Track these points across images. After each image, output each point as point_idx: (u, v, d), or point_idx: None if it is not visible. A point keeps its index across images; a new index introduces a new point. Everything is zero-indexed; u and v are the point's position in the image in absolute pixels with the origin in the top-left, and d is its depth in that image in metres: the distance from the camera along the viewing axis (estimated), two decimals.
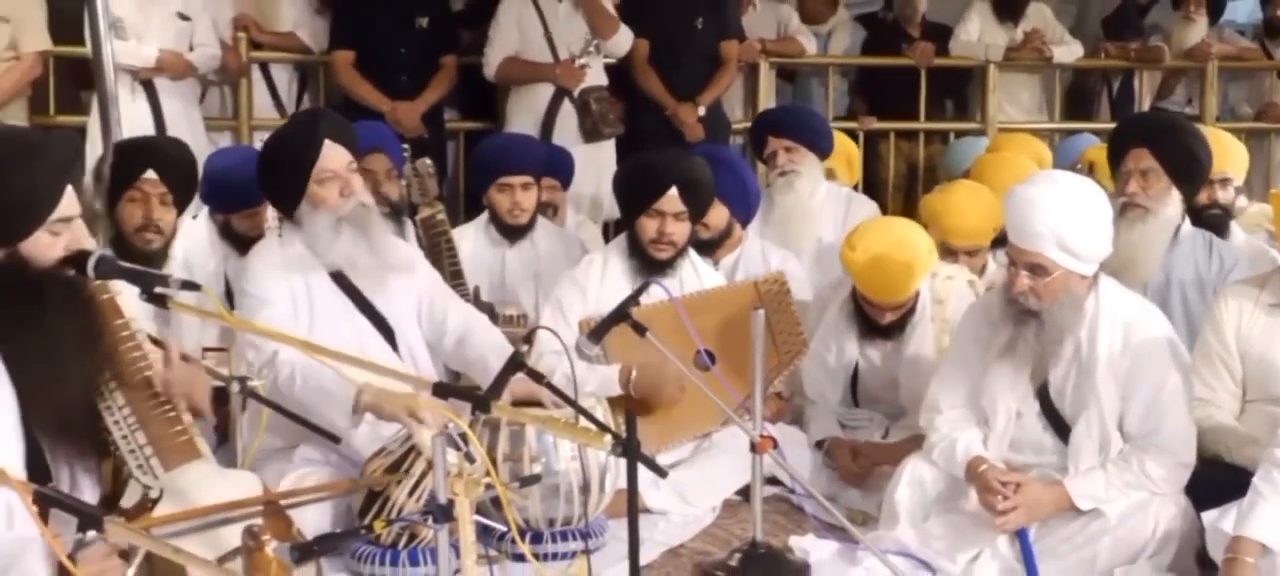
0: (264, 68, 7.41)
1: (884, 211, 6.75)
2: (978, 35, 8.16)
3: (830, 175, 6.40)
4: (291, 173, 4.24)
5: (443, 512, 3.09)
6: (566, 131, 6.90)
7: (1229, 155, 5.41)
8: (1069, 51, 8.32)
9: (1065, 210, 3.79)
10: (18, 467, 2.90)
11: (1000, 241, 5.09)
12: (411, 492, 3.78)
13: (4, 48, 6.64)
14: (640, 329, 3.87)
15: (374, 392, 3.86)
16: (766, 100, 7.89)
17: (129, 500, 3.18)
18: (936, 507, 4.08)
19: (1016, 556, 3.88)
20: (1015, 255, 3.86)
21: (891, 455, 4.50)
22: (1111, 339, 3.87)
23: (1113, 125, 6.71)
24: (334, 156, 4.22)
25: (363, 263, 4.25)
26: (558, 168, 6.17)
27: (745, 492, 4.24)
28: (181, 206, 4.76)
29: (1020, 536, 3.88)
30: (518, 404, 3.76)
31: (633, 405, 4.37)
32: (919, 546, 3.97)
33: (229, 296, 4.71)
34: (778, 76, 8.18)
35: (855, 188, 6.81)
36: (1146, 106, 8.59)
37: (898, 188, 8.23)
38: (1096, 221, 3.85)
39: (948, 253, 5.02)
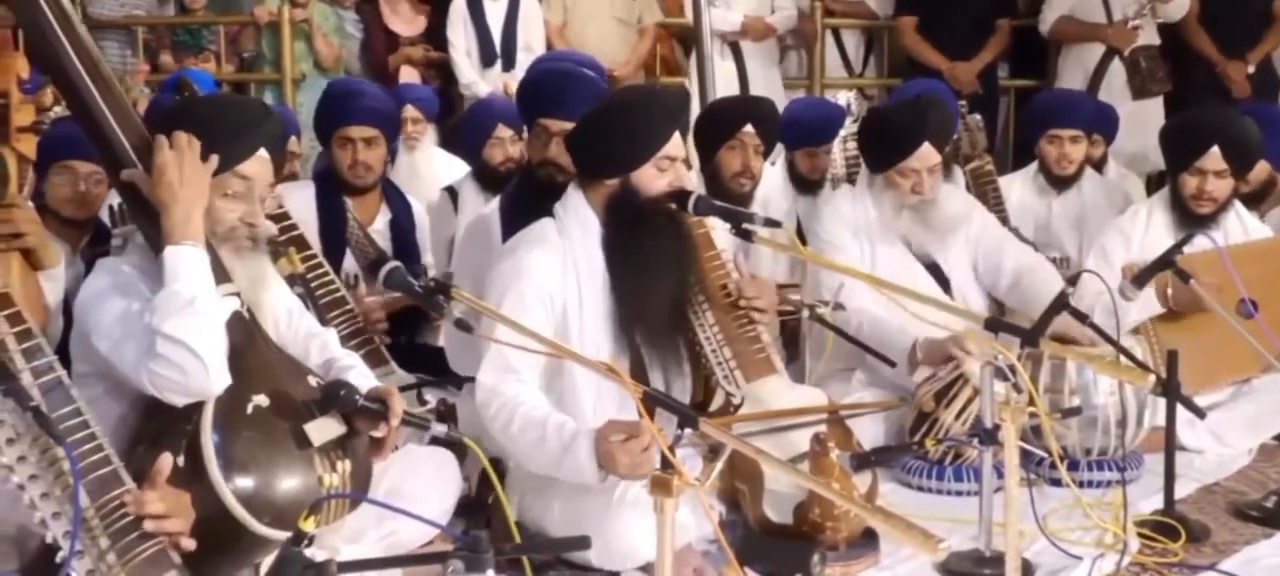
0: (836, 33, 7.52)
1: None
2: None
3: None
4: (890, 148, 4.21)
5: (988, 436, 3.06)
6: (1114, 88, 6.60)
7: None
8: None
9: None
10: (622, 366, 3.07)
11: None
12: (958, 416, 3.74)
13: (633, 20, 7.17)
14: (1184, 276, 3.67)
15: (928, 347, 3.86)
16: None
17: (714, 405, 3.33)
18: None
19: None
20: None
21: None
22: None
23: None
24: (925, 157, 4.16)
25: (906, 235, 4.23)
26: (1104, 124, 5.90)
27: None
28: (767, 154, 4.91)
29: None
30: (1060, 340, 3.64)
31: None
32: None
33: (799, 234, 4.81)
34: None
35: None
36: None
37: None
38: None
39: None
